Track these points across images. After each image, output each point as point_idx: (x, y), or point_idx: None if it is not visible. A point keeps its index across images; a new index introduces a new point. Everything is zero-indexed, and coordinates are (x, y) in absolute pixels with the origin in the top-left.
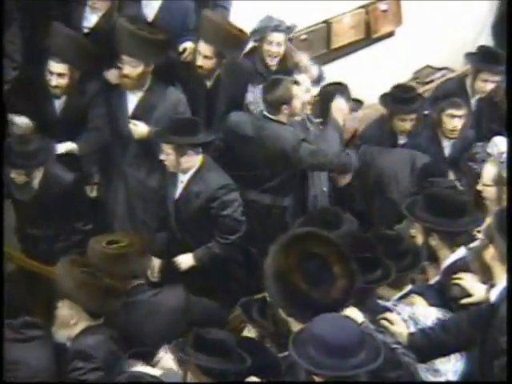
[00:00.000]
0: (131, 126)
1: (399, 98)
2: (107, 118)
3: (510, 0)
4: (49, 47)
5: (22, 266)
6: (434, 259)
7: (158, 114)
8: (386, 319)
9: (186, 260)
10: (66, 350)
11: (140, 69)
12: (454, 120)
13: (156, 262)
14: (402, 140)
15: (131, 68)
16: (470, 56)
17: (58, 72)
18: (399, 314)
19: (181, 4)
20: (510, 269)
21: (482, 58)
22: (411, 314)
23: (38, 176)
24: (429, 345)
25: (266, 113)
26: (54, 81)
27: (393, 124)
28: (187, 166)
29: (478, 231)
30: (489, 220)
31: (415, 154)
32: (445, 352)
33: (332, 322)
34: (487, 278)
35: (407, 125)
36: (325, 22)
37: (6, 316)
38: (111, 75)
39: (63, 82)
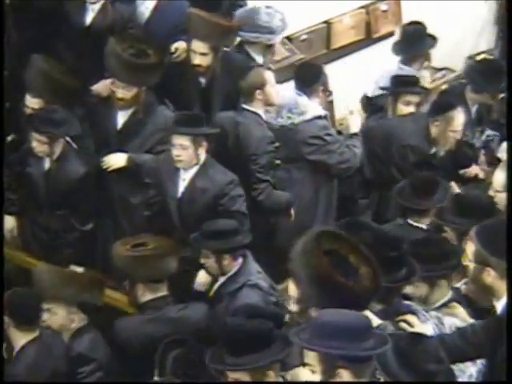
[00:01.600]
0: (106, 158)
1: (403, 80)
2: (94, 132)
3: (509, 0)
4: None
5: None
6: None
7: (145, 132)
8: (404, 321)
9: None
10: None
11: (133, 91)
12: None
13: None
14: None
15: (125, 91)
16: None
17: (32, 107)
18: (423, 316)
19: (175, 4)
20: (509, 272)
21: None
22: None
23: (56, 151)
24: (444, 349)
25: (242, 104)
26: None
27: (397, 110)
28: (193, 162)
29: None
30: (471, 246)
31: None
32: (460, 359)
33: (340, 312)
34: (489, 298)
35: (412, 109)
36: (325, 22)
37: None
38: (101, 87)
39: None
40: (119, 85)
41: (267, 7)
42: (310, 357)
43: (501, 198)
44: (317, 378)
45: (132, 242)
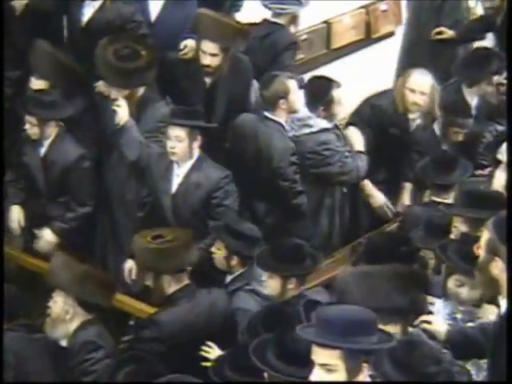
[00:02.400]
0: None
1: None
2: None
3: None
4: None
5: (22, 265)
6: None
7: (139, 128)
8: (425, 321)
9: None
10: (64, 347)
11: (125, 92)
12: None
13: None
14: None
15: (117, 92)
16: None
17: (36, 88)
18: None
19: (184, 3)
20: (509, 269)
21: None
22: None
23: (48, 134)
24: (466, 343)
25: (265, 112)
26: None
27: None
28: (186, 157)
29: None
30: (486, 234)
31: None
32: (481, 355)
33: (345, 307)
34: (494, 291)
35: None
36: (325, 22)
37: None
38: (103, 86)
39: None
40: (108, 85)
41: None
42: (328, 356)
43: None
44: (339, 377)
45: (150, 234)
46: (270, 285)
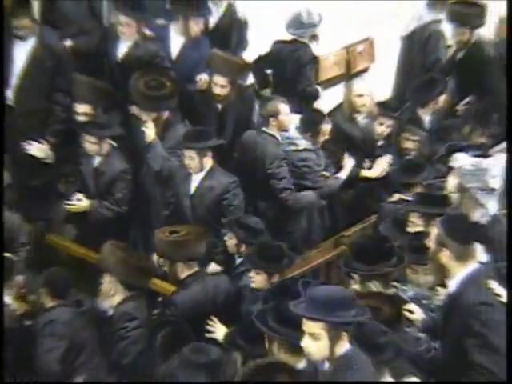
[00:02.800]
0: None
1: (381, 104)
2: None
3: (509, 0)
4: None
5: (71, 253)
6: None
7: (164, 145)
8: (407, 310)
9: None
10: (109, 316)
11: (153, 115)
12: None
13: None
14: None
15: (147, 115)
16: None
17: (82, 111)
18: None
19: (199, 43)
20: (509, 268)
21: None
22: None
23: (104, 150)
24: (435, 327)
25: (263, 128)
26: (82, 118)
27: (373, 129)
28: (199, 167)
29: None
30: (434, 230)
31: None
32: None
33: (328, 287)
34: (443, 276)
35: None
36: (314, 58)
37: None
38: (136, 110)
39: (87, 118)
40: (140, 109)
41: (306, 10)
42: (314, 327)
43: (454, 198)
44: (323, 344)
45: (168, 229)
46: (257, 280)
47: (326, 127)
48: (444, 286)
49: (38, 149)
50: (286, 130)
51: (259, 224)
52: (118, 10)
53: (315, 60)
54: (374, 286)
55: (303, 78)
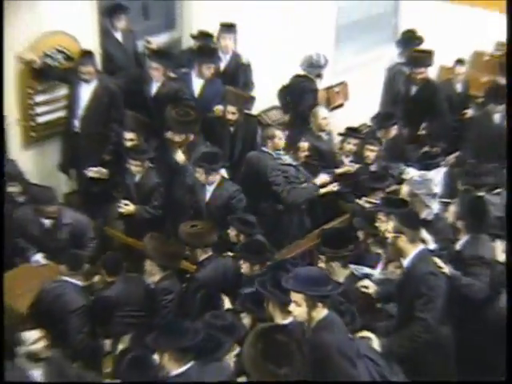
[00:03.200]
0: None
1: (350, 128)
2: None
3: (509, 0)
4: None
5: (122, 241)
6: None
7: (192, 162)
8: (363, 286)
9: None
10: (153, 288)
11: (182, 137)
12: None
13: None
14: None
15: (178, 138)
16: None
17: (128, 138)
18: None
19: (215, 83)
20: (509, 267)
21: None
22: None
23: (142, 170)
24: (387, 296)
25: (263, 147)
26: (129, 143)
27: (343, 146)
28: (213, 180)
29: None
30: (391, 222)
31: None
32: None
33: (310, 268)
34: (400, 256)
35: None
36: (315, 90)
37: (115, 271)
38: (170, 134)
39: (133, 143)
40: (173, 133)
41: (316, 53)
42: (297, 297)
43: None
44: (303, 309)
45: (189, 224)
46: (243, 267)
47: (304, 144)
48: (400, 263)
49: (93, 172)
50: (278, 150)
51: (252, 219)
52: (150, 58)
53: (316, 91)
54: (335, 266)
55: (305, 103)
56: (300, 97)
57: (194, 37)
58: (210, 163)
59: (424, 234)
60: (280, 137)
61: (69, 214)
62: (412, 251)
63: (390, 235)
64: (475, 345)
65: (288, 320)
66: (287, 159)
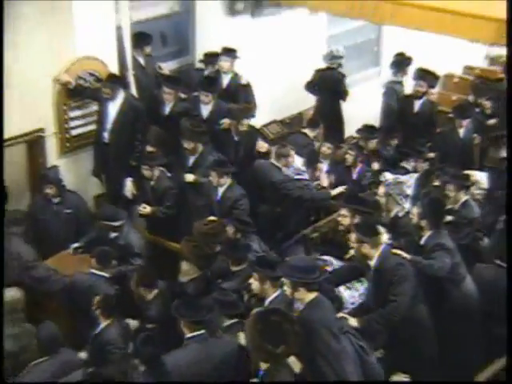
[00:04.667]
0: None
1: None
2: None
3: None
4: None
5: (158, 243)
6: None
7: (201, 167)
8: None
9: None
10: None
11: (193, 145)
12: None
13: None
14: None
15: (189, 145)
16: None
17: (149, 150)
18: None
19: (217, 103)
20: (509, 267)
21: None
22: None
23: (155, 174)
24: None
25: (272, 161)
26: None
27: (321, 151)
28: (224, 183)
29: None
30: (354, 235)
31: None
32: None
33: (300, 257)
34: (365, 260)
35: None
36: (299, 113)
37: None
38: (185, 143)
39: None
40: (186, 141)
41: (335, 47)
42: (286, 283)
43: (383, 201)
44: (289, 290)
45: (203, 222)
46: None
47: (320, 166)
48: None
49: (126, 188)
50: (291, 165)
51: (248, 219)
52: (163, 84)
53: (345, 76)
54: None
55: (342, 85)
56: (336, 84)
57: (200, 60)
58: (222, 167)
59: (384, 236)
60: (293, 156)
61: (126, 229)
62: (376, 254)
63: (353, 245)
64: (448, 323)
65: (276, 293)
66: (305, 174)
